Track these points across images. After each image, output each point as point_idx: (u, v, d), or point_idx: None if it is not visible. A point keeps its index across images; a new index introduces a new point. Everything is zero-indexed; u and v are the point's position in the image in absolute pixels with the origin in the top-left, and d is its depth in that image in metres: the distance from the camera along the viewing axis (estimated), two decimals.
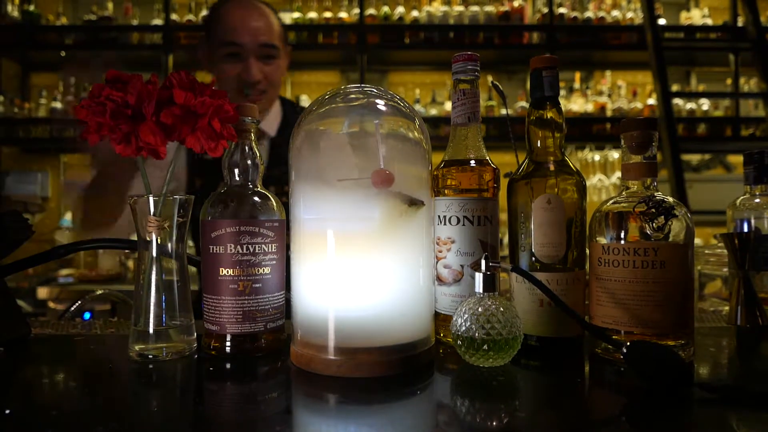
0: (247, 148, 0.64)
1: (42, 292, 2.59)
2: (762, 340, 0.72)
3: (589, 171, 3.19)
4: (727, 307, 0.88)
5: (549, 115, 0.64)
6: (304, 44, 2.97)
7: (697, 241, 3.06)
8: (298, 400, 0.51)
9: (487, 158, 0.66)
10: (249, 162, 0.64)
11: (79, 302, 0.90)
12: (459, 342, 0.56)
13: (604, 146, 3.13)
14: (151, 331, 0.60)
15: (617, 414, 0.48)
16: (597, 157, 3.16)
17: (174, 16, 3.05)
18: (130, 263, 2.87)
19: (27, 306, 2.54)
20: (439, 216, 0.65)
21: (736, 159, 3.31)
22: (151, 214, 0.60)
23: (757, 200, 0.82)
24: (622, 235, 0.58)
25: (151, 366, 0.58)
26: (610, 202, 0.61)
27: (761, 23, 2.73)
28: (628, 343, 0.51)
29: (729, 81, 3.14)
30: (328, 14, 3.11)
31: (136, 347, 0.60)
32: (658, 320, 0.55)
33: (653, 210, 0.56)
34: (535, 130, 0.65)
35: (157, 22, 3.06)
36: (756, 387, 0.54)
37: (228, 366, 0.59)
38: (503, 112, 2.94)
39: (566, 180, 0.62)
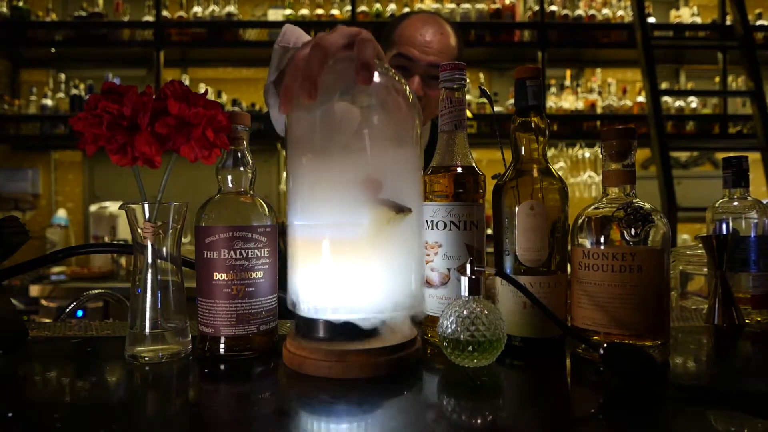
0: (239, 155, 0.65)
1: (34, 290, 2.59)
2: (737, 338, 0.75)
3: (579, 168, 3.23)
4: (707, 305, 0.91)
5: (533, 123, 0.66)
6: None
7: (685, 236, 3.11)
8: (291, 401, 0.53)
9: (474, 165, 0.68)
10: (241, 169, 0.65)
11: (74, 304, 0.92)
12: (445, 343, 0.58)
13: (594, 143, 3.16)
14: (146, 333, 0.61)
15: (595, 411, 0.50)
16: (587, 154, 3.19)
17: (165, 13, 3.04)
18: (123, 261, 2.87)
19: (19, 304, 2.54)
20: (426, 221, 0.67)
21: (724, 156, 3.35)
22: (147, 219, 0.61)
23: (735, 203, 0.85)
24: (602, 239, 0.60)
25: (147, 368, 0.60)
26: (591, 207, 0.63)
27: (749, 22, 2.77)
28: (605, 345, 0.54)
29: (717, 79, 3.19)
30: (320, 11, 3.12)
31: (132, 350, 0.61)
32: (635, 322, 0.58)
33: (631, 216, 0.58)
34: (520, 137, 0.67)
35: (148, 18, 3.05)
36: (729, 385, 0.57)
37: (222, 367, 0.60)
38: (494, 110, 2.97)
39: (549, 186, 0.65)
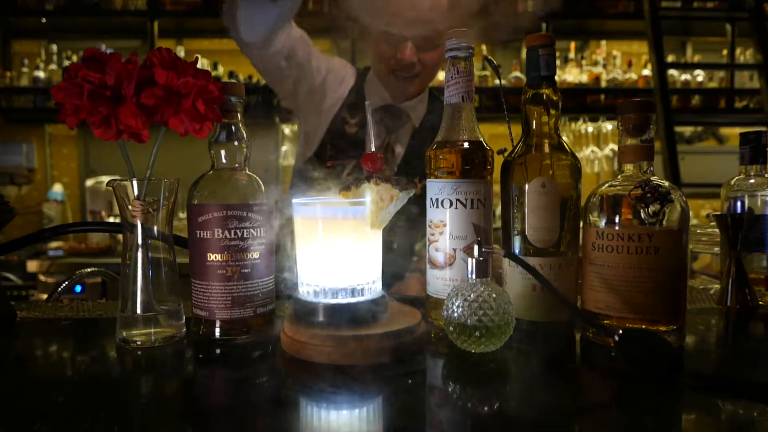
0: (233, 128, 0.62)
1: (32, 266, 2.57)
2: (751, 320, 0.73)
3: (582, 142, 3.17)
4: (716, 286, 0.88)
5: (545, 95, 0.62)
6: None
7: None
8: (288, 388, 0.51)
9: (481, 139, 0.64)
10: (236, 143, 0.62)
11: (66, 283, 0.89)
12: (451, 328, 0.55)
13: (598, 117, 3.10)
14: (138, 316, 0.59)
15: (607, 399, 0.48)
16: (591, 129, 3.14)
17: None
18: (120, 236, 2.84)
19: (17, 279, 2.53)
20: (431, 199, 0.64)
21: (729, 131, 3.30)
22: (135, 197, 0.58)
23: (752, 180, 0.81)
24: (617, 219, 0.57)
25: (139, 352, 0.57)
26: (606, 185, 0.60)
27: None
28: (621, 332, 0.51)
29: (725, 52, 3.11)
30: None
31: (124, 333, 0.59)
32: (651, 307, 0.55)
33: (649, 195, 0.55)
34: (531, 110, 0.63)
35: None
36: (745, 373, 0.54)
37: (218, 352, 0.58)
38: (497, 82, 2.90)
39: (561, 162, 0.61)
